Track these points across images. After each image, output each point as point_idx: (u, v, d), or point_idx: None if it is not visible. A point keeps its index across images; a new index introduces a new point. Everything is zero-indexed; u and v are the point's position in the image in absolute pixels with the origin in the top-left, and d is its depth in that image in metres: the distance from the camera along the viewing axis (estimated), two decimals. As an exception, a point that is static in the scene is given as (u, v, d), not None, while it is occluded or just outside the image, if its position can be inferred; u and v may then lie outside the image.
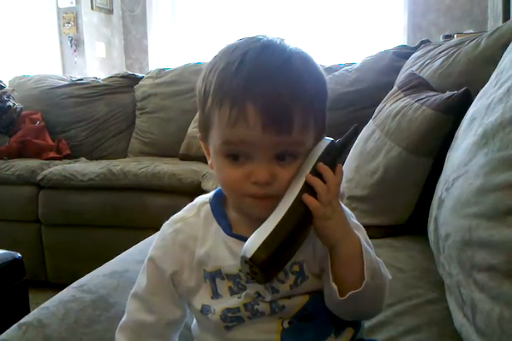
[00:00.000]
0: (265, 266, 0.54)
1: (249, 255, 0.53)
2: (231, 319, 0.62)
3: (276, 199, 0.57)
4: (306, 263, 0.62)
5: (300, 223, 0.56)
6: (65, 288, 0.98)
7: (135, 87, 3.09)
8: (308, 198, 0.56)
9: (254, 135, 0.54)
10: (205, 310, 0.63)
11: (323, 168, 0.57)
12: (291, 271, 0.62)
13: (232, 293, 0.63)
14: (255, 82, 0.53)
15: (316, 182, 0.56)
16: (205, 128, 0.60)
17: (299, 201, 0.56)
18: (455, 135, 1.05)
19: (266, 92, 0.53)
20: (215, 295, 0.63)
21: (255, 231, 0.56)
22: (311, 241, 0.61)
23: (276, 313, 0.62)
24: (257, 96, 0.53)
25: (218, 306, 0.62)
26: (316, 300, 0.63)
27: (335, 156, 0.60)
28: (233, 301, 0.62)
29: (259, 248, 0.53)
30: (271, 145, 0.55)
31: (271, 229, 0.54)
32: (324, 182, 0.57)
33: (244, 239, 0.56)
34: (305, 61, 0.58)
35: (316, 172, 0.57)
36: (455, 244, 0.76)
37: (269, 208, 0.57)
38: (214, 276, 0.63)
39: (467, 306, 0.69)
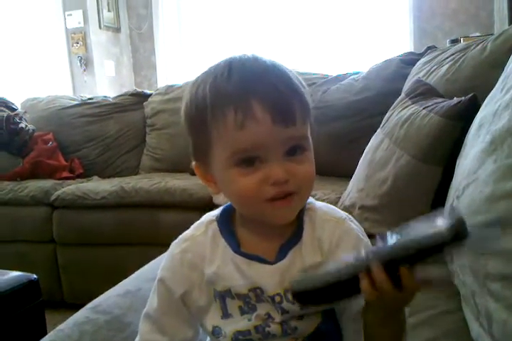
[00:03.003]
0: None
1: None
2: None
3: (296, 196, 0.56)
4: None
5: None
6: (81, 307, 0.98)
7: (144, 103, 3.10)
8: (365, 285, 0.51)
9: (264, 132, 0.54)
10: (216, 333, 0.63)
11: (405, 274, 0.50)
12: None
13: (243, 312, 0.62)
14: (252, 81, 0.55)
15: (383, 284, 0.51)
16: (203, 150, 0.60)
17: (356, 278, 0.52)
18: (464, 142, 1.04)
19: (266, 88, 0.54)
20: (225, 315, 0.63)
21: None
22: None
23: (289, 335, 0.61)
24: (259, 93, 0.54)
25: (229, 328, 0.62)
26: (330, 320, 0.62)
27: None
28: (244, 323, 0.62)
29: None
30: (281, 141, 0.55)
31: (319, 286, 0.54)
32: (398, 287, 0.51)
33: (253, 258, 0.56)
34: (284, 67, 0.59)
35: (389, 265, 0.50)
36: (468, 253, 0.75)
37: (292, 207, 0.57)
38: (224, 296, 0.63)
39: (483, 316, 0.68)
